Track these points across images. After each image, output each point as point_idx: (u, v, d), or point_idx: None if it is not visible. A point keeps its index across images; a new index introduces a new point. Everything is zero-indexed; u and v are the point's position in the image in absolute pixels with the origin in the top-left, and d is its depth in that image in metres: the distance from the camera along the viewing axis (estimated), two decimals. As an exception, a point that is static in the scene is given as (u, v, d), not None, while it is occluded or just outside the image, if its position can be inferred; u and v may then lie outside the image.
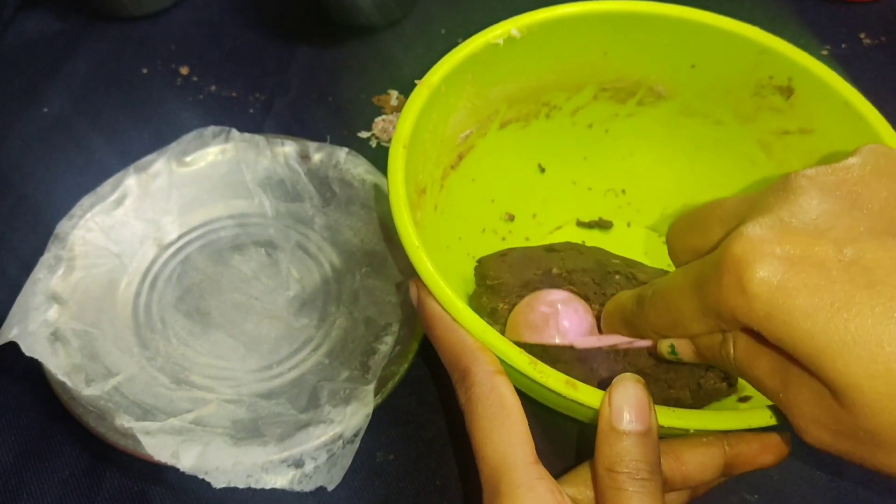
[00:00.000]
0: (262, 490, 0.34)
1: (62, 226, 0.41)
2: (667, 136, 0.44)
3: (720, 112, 0.41)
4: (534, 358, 0.29)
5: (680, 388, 0.37)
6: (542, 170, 0.44)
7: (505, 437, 0.27)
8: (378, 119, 0.52)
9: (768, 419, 0.30)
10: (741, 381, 0.39)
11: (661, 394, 0.36)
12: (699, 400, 0.37)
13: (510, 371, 0.29)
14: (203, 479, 0.33)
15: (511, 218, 0.44)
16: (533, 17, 0.38)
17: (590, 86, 0.42)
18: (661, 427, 0.30)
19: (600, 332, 0.34)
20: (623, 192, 0.46)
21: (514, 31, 0.38)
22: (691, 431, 0.31)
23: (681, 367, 0.37)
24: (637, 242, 0.45)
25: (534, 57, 0.39)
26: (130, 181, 0.43)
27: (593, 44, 0.40)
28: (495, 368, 0.28)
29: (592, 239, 0.45)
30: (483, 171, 0.41)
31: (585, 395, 0.28)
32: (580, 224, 0.46)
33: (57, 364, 0.36)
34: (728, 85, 0.40)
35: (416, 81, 0.37)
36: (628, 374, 0.29)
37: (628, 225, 0.45)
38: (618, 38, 0.39)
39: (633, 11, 0.39)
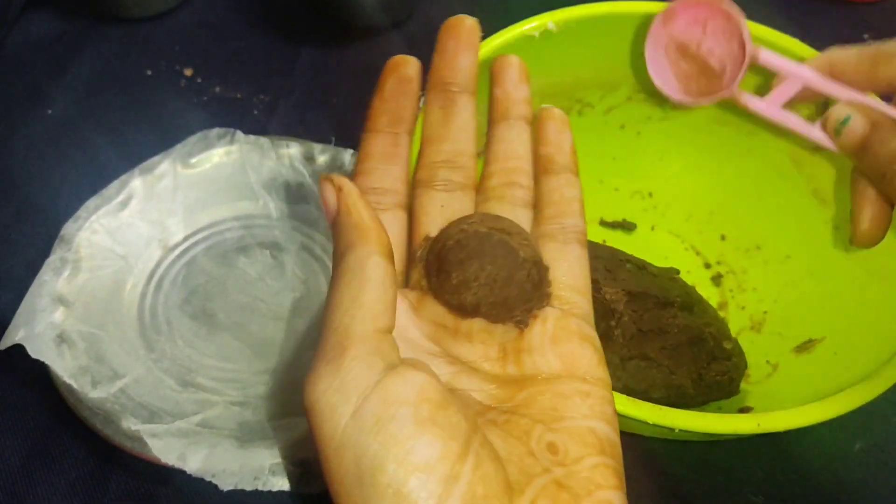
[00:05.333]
0: (269, 492, 0.34)
1: (68, 228, 0.41)
2: (698, 143, 0.43)
3: (753, 122, 0.41)
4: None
5: (682, 376, 0.37)
6: None
7: (353, 304, 0.24)
8: (382, 120, 0.51)
9: (755, 427, 0.30)
10: (743, 387, 0.40)
11: (664, 379, 0.37)
12: (700, 390, 0.37)
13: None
14: (210, 482, 0.33)
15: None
16: (571, 13, 0.38)
17: (625, 86, 0.42)
18: (646, 424, 0.30)
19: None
20: (650, 195, 0.46)
21: (551, 25, 0.38)
22: (676, 431, 0.31)
23: (684, 354, 0.37)
24: (659, 246, 0.45)
25: (569, 52, 0.39)
26: (136, 183, 0.43)
27: (631, 44, 0.40)
28: (379, 251, 0.24)
29: (615, 240, 0.45)
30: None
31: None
32: (604, 223, 0.46)
33: (63, 366, 0.36)
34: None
35: None
36: None
37: (652, 228, 0.45)
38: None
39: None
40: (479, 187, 0.30)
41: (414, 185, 0.29)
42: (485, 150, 0.31)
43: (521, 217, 0.29)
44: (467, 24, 0.30)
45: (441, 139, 0.29)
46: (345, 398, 0.22)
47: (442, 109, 0.30)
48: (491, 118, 0.31)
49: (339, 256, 0.25)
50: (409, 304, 0.27)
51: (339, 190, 0.25)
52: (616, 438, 0.25)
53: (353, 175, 0.28)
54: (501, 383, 0.25)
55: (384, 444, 0.22)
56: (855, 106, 0.34)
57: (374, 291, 0.24)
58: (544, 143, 0.31)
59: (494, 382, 0.26)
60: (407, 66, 0.30)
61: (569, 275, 0.28)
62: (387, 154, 0.29)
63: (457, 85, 0.30)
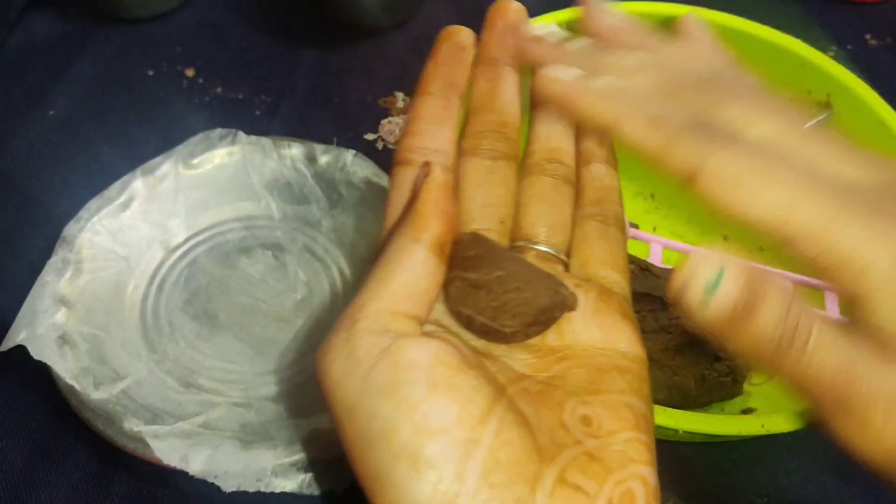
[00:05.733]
0: (272, 494, 0.34)
1: (69, 229, 0.41)
2: None
3: None
4: None
5: (685, 376, 0.37)
6: None
7: (379, 285, 0.24)
8: (384, 121, 0.51)
9: (759, 428, 0.30)
10: (746, 388, 0.39)
11: (667, 380, 0.37)
12: (703, 391, 0.37)
13: None
14: (212, 483, 0.33)
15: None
16: (574, 14, 0.38)
17: None
18: None
19: None
20: (652, 196, 0.46)
21: (554, 27, 0.38)
22: (679, 432, 0.31)
23: (687, 355, 0.37)
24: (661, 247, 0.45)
25: None
26: (137, 184, 0.43)
27: None
28: (424, 239, 0.24)
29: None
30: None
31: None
32: None
33: (65, 367, 0.36)
34: None
35: None
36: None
37: (654, 229, 0.45)
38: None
39: (674, 15, 0.39)
40: (522, 163, 0.30)
41: (459, 154, 0.29)
42: (528, 132, 0.31)
43: (564, 192, 0.29)
44: (514, 5, 0.32)
45: (487, 110, 0.30)
46: (355, 363, 0.22)
47: (489, 82, 0.30)
48: (533, 102, 0.31)
49: (388, 238, 0.25)
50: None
51: (425, 174, 0.26)
52: (651, 416, 0.25)
53: (401, 136, 0.28)
54: (540, 353, 0.25)
55: (396, 407, 0.21)
56: (720, 259, 0.23)
57: (403, 276, 0.24)
58: (586, 137, 0.31)
59: (532, 352, 0.25)
60: (461, 34, 0.31)
61: (609, 254, 0.28)
62: (437, 116, 0.29)
63: (504, 61, 0.30)
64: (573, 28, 0.38)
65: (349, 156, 0.45)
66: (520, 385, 0.24)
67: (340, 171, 0.45)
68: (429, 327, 0.25)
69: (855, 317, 0.23)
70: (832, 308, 0.39)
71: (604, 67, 0.27)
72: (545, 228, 0.28)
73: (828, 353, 0.22)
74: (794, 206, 0.23)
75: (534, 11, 0.38)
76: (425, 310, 0.24)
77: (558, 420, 0.23)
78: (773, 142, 0.25)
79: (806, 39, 0.38)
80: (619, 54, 0.28)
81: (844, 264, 0.23)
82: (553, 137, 0.30)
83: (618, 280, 0.27)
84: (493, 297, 0.24)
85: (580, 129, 0.31)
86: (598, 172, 0.30)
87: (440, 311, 0.26)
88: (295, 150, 0.45)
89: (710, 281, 0.22)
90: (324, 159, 0.45)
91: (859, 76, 0.38)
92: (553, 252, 0.28)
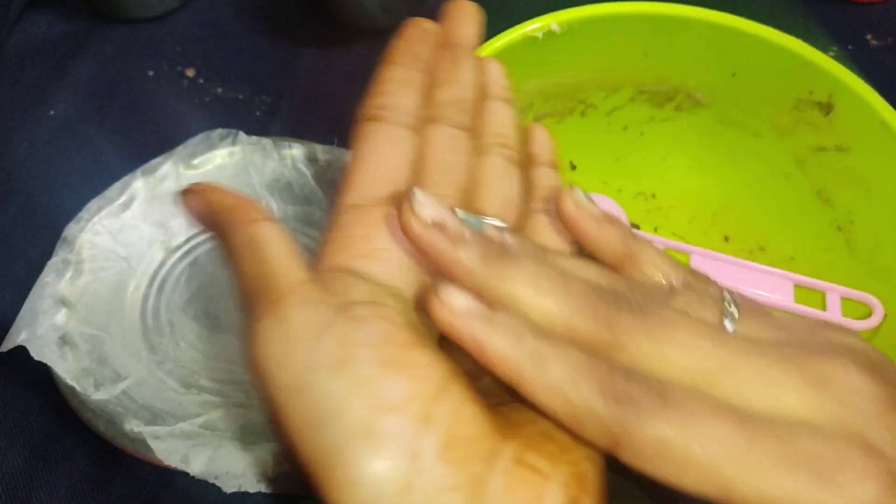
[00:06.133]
0: (273, 494, 0.34)
1: (70, 229, 0.41)
2: (702, 144, 0.43)
3: (758, 123, 0.41)
4: None
5: None
6: (574, 167, 0.44)
7: (263, 267, 0.23)
8: (385, 121, 0.51)
9: None
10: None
11: None
12: None
13: None
14: (213, 484, 0.33)
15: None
16: (574, 14, 0.38)
17: (628, 87, 0.42)
18: None
19: None
20: (653, 196, 0.46)
21: (555, 26, 0.38)
22: None
23: None
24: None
25: (572, 53, 0.39)
26: (138, 184, 0.43)
27: (634, 45, 0.40)
28: (257, 217, 0.24)
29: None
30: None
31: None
32: None
33: (65, 368, 0.36)
34: (768, 96, 0.40)
35: None
36: None
37: (655, 230, 0.45)
38: (659, 41, 0.40)
39: (675, 15, 0.39)
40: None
41: (422, 123, 0.29)
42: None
43: (514, 172, 0.30)
44: (468, 4, 0.33)
45: (450, 83, 0.30)
46: (295, 342, 0.22)
47: (451, 62, 0.31)
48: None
49: (224, 242, 0.25)
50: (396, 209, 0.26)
51: (202, 191, 0.26)
52: None
53: (365, 97, 0.29)
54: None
55: (347, 383, 0.21)
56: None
57: (275, 249, 0.24)
58: (532, 144, 0.32)
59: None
60: (426, 22, 0.32)
61: (560, 244, 0.29)
62: (403, 81, 0.29)
63: (463, 45, 0.31)
64: (573, 28, 0.39)
65: (349, 156, 0.45)
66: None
67: (341, 171, 0.45)
68: (372, 296, 0.23)
69: None
70: (834, 308, 0.39)
71: (504, 282, 0.24)
72: (498, 203, 0.29)
73: None
74: (734, 468, 0.21)
75: (534, 11, 0.38)
76: (306, 270, 0.24)
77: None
78: (695, 372, 0.22)
79: (807, 39, 0.38)
80: (521, 263, 0.24)
81: None
82: (500, 124, 0.31)
83: None
84: None
85: (527, 139, 0.33)
86: (544, 174, 0.31)
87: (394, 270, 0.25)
88: (296, 151, 0.45)
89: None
90: (324, 159, 0.45)
91: (860, 76, 0.38)
92: (505, 227, 0.28)
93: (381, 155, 0.27)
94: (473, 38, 0.32)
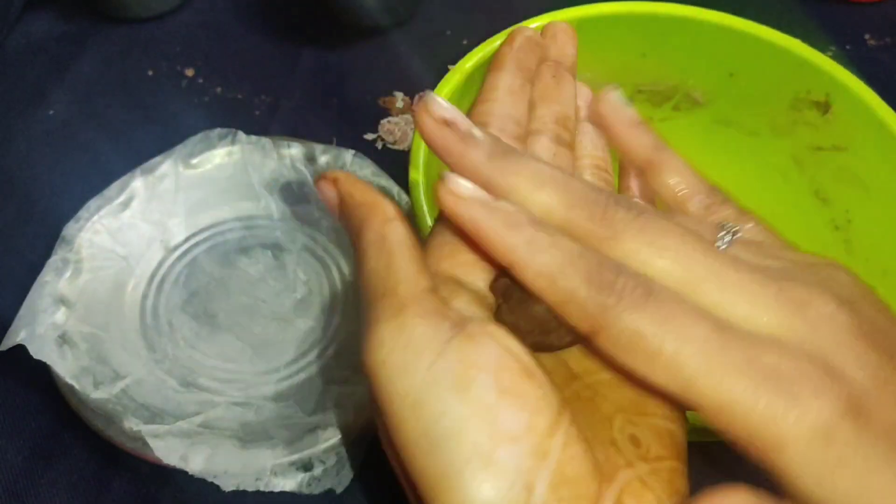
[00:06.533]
0: (271, 493, 0.34)
1: (69, 228, 0.41)
2: (700, 144, 0.43)
3: (756, 123, 0.41)
4: None
5: None
6: None
7: (389, 271, 0.23)
8: (384, 121, 0.51)
9: None
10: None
11: None
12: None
13: None
14: (212, 483, 0.33)
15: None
16: (572, 13, 0.38)
17: (626, 86, 0.42)
18: None
19: None
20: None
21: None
22: None
23: None
24: None
25: None
26: (137, 183, 0.43)
27: (632, 44, 0.40)
28: (392, 216, 0.25)
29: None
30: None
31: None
32: None
33: (65, 367, 0.36)
34: (766, 96, 0.40)
35: (449, 67, 0.37)
36: None
37: None
38: (657, 41, 0.39)
39: (673, 15, 0.39)
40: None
41: (527, 134, 0.30)
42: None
43: None
44: (570, 28, 0.34)
45: (553, 100, 0.31)
46: (416, 354, 0.21)
47: (554, 78, 0.31)
48: None
49: (356, 238, 0.25)
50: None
51: (335, 180, 0.26)
52: (686, 446, 0.24)
53: (474, 104, 0.29)
54: (589, 351, 0.24)
55: (468, 406, 0.21)
56: None
57: (404, 254, 0.24)
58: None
59: (583, 349, 0.25)
60: (534, 32, 0.33)
61: None
62: (511, 90, 0.30)
63: (565, 64, 0.32)
64: (573, 28, 0.39)
65: (349, 156, 0.45)
66: (572, 388, 0.24)
67: (340, 171, 0.45)
68: (478, 310, 0.24)
69: (786, 493, 0.22)
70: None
71: (508, 176, 0.25)
72: None
73: None
74: (700, 371, 0.21)
75: (533, 11, 0.38)
76: (430, 277, 0.24)
77: (609, 436, 0.23)
78: (681, 279, 0.23)
79: (805, 39, 0.38)
80: (525, 160, 0.25)
81: (759, 440, 0.21)
82: (595, 146, 0.32)
83: None
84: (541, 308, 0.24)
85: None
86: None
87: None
88: (294, 150, 0.45)
89: None
90: (323, 159, 0.45)
91: (858, 76, 0.38)
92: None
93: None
94: (574, 59, 0.33)
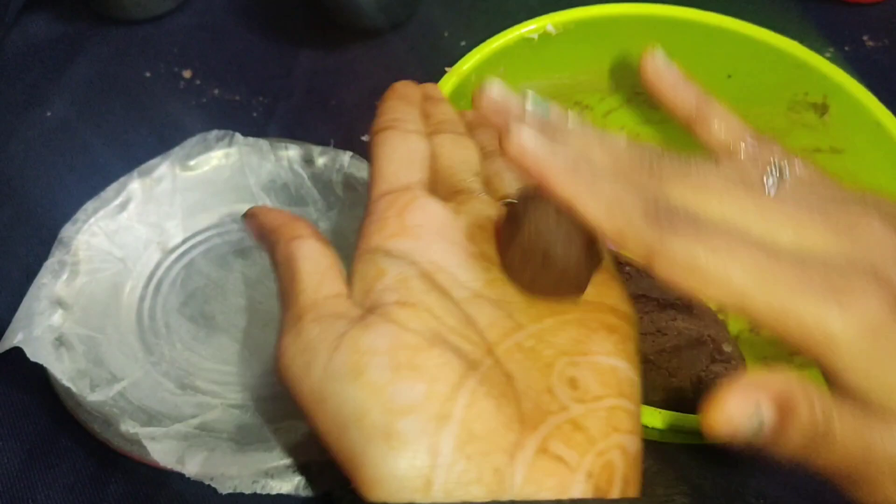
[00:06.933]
0: (268, 496, 0.34)
1: (66, 231, 0.41)
2: (698, 146, 0.43)
3: (754, 125, 0.40)
4: None
5: (681, 379, 0.37)
6: None
7: (293, 285, 0.26)
8: (381, 122, 0.51)
9: None
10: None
11: (663, 382, 0.37)
12: (699, 394, 0.37)
13: None
14: (209, 485, 0.33)
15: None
16: (570, 15, 0.38)
17: (623, 89, 0.42)
18: (646, 427, 0.30)
19: None
20: None
21: (550, 28, 0.38)
22: (676, 435, 0.31)
23: (683, 357, 0.37)
24: None
25: (568, 55, 0.39)
26: (134, 185, 0.43)
27: (629, 46, 0.40)
28: (297, 234, 0.28)
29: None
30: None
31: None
32: None
33: (62, 369, 0.36)
34: (763, 98, 0.40)
35: (446, 69, 0.37)
36: None
37: None
38: (655, 42, 0.39)
39: (671, 17, 0.39)
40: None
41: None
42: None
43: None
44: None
45: (442, 112, 0.32)
46: (313, 355, 0.24)
47: (435, 104, 0.33)
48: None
49: (272, 261, 0.28)
50: (450, 207, 0.28)
51: (252, 215, 0.30)
52: (637, 380, 0.25)
53: (376, 118, 0.31)
54: (536, 299, 0.26)
55: (362, 390, 0.22)
56: (755, 401, 0.22)
57: (305, 266, 0.26)
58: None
59: (528, 298, 0.26)
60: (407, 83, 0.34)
61: None
62: (403, 106, 0.31)
63: (438, 97, 0.34)
64: (569, 30, 0.39)
65: (346, 157, 0.45)
66: (513, 339, 0.24)
67: (337, 173, 0.45)
68: (391, 296, 0.25)
69: (837, 388, 0.23)
70: None
71: (562, 138, 0.27)
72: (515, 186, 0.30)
73: (846, 436, 0.23)
74: (752, 286, 0.23)
75: (530, 13, 0.39)
76: (340, 283, 0.26)
77: (546, 383, 0.23)
78: (728, 217, 0.25)
79: (803, 41, 0.38)
80: (573, 128, 0.28)
81: (812, 340, 0.22)
82: (492, 145, 0.32)
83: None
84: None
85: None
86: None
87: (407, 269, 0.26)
88: (292, 152, 0.45)
89: (754, 427, 0.22)
90: (321, 161, 0.45)
91: (856, 77, 0.38)
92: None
93: (400, 152, 0.29)
94: (444, 98, 0.34)
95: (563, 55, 0.39)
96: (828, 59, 0.38)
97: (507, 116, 0.29)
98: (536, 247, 0.25)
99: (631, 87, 0.42)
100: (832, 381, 0.23)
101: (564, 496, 0.21)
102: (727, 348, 0.38)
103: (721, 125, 0.32)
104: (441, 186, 0.29)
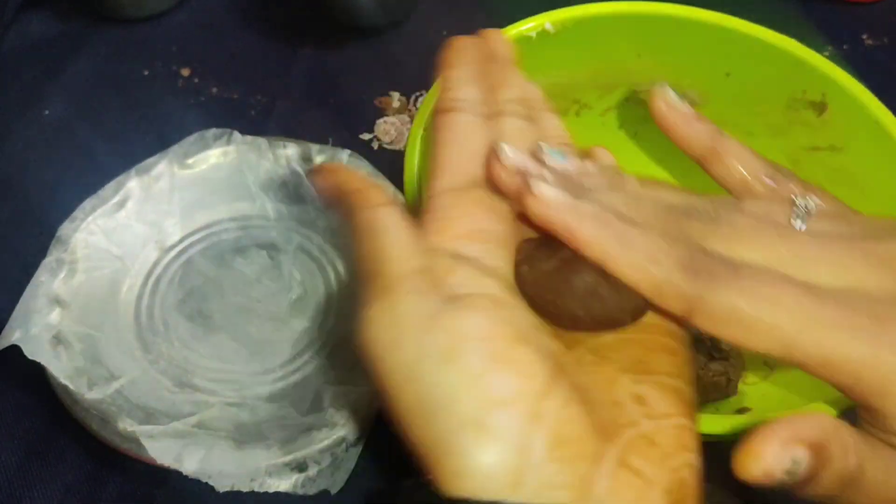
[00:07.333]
0: (266, 493, 0.34)
1: (64, 228, 0.41)
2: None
3: (752, 123, 0.41)
4: None
5: None
6: None
7: (380, 254, 0.24)
8: (380, 121, 0.51)
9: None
10: (741, 388, 0.39)
11: None
12: (697, 392, 0.37)
13: None
14: (206, 483, 0.33)
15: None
16: (568, 13, 0.38)
17: (622, 87, 0.42)
18: None
19: None
20: None
21: (549, 26, 0.38)
22: None
23: None
24: None
25: (566, 53, 0.39)
26: (132, 184, 0.43)
27: (627, 44, 0.40)
28: (381, 202, 0.26)
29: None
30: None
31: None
32: None
33: (59, 367, 0.36)
34: (762, 96, 0.40)
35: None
36: None
37: None
38: (652, 41, 0.39)
39: (669, 15, 0.39)
40: None
41: (491, 117, 0.30)
42: None
43: None
44: (501, 33, 0.34)
45: (509, 85, 0.31)
46: (405, 330, 0.22)
47: (502, 69, 0.32)
48: None
49: (348, 223, 0.26)
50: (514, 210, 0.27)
51: (329, 171, 0.28)
52: (695, 403, 0.25)
53: (440, 95, 0.30)
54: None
55: (458, 376, 0.21)
56: (789, 446, 0.22)
57: (392, 236, 0.25)
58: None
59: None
60: (466, 37, 0.32)
61: None
62: (466, 79, 0.30)
63: (508, 59, 0.33)
64: (567, 28, 0.38)
65: (345, 156, 0.45)
66: (574, 353, 0.24)
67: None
68: (475, 283, 0.24)
69: (880, 430, 0.23)
70: None
71: (585, 190, 0.26)
72: None
73: (878, 479, 0.22)
74: (799, 333, 0.22)
75: (528, 11, 0.38)
76: (422, 258, 0.24)
77: (612, 397, 0.23)
78: (765, 260, 0.24)
79: (801, 39, 0.38)
80: (595, 180, 0.27)
81: (864, 384, 0.22)
82: (556, 128, 0.32)
83: None
84: (562, 279, 0.24)
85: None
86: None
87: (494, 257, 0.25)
88: (290, 150, 0.45)
89: (790, 471, 0.22)
90: (319, 159, 0.45)
91: (856, 76, 0.38)
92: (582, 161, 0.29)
93: (463, 140, 0.28)
94: (512, 56, 0.33)
95: (562, 53, 0.39)
96: (826, 57, 0.38)
97: (523, 177, 0.26)
98: (580, 292, 0.24)
99: (629, 85, 0.42)
100: (876, 424, 0.22)
101: None
102: (725, 346, 0.38)
103: (737, 162, 0.31)
104: None
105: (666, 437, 0.23)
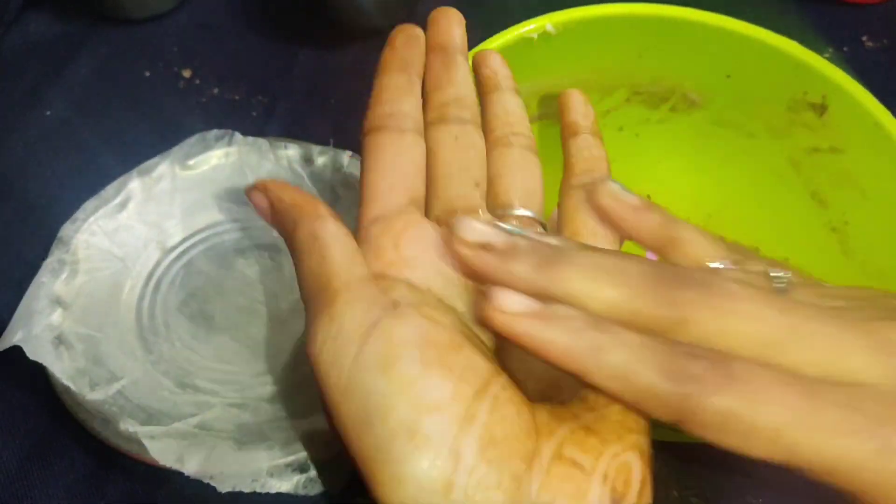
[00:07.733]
0: (268, 494, 0.34)
1: (66, 230, 0.41)
2: (697, 145, 0.43)
3: (753, 125, 0.41)
4: None
5: None
6: None
7: (322, 265, 0.24)
8: (381, 122, 0.51)
9: None
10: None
11: None
12: None
13: None
14: (208, 484, 0.33)
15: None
16: (569, 15, 0.38)
17: (623, 88, 0.42)
18: None
19: None
20: (648, 197, 0.46)
21: (550, 27, 0.38)
22: (672, 433, 0.31)
23: None
24: None
25: (568, 54, 0.39)
26: (134, 185, 0.43)
27: (628, 46, 0.40)
28: (322, 214, 0.26)
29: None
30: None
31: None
32: None
33: (61, 368, 0.36)
34: (763, 97, 0.40)
35: None
36: None
37: None
38: (654, 42, 0.39)
39: (670, 16, 0.39)
40: (486, 140, 0.31)
41: (425, 127, 0.30)
42: (483, 115, 0.32)
43: (532, 160, 0.30)
44: (452, 10, 0.34)
45: (446, 85, 0.31)
46: (345, 342, 0.23)
47: (443, 64, 0.32)
48: (482, 92, 0.33)
49: (290, 239, 0.26)
50: (441, 235, 0.27)
51: (265, 188, 0.28)
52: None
53: (368, 108, 0.30)
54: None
55: (392, 383, 0.21)
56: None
57: (335, 247, 0.25)
58: (569, 112, 0.33)
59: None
60: (414, 28, 0.32)
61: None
62: (401, 88, 0.30)
63: (453, 47, 0.32)
64: (568, 29, 0.38)
65: (345, 157, 0.45)
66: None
67: (337, 172, 0.45)
68: (414, 297, 0.25)
69: None
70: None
71: (561, 283, 0.24)
72: (521, 194, 0.29)
73: None
74: (797, 436, 0.21)
75: (529, 12, 0.38)
76: (365, 266, 0.25)
77: (559, 398, 0.24)
78: (761, 341, 0.22)
79: (802, 41, 0.38)
80: (572, 257, 0.25)
81: (872, 490, 0.21)
82: (510, 113, 0.32)
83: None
84: None
85: (563, 110, 0.34)
86: (584, 143, 0.32)
87: (433, 277, 0.26)
88: (291, 151, 0.45)
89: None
90: (320, 160, 0.45)
91: (855, 78, 0.38)
92: (533, 215, 0.29)
93: (393, 164, 0.28)
94: (461, 39, 0.33)
95: (563, 55, 0.39)
96: (827, 59, 0.38)
97: (493, 263, 0.25)
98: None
99: (630, 86, 0.42)
100: None
101: (581, 501, 0.21)
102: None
103: (696, 250, 0.28)
104: (438, 199, 0.29)
105: (606, 423, 0.23)
